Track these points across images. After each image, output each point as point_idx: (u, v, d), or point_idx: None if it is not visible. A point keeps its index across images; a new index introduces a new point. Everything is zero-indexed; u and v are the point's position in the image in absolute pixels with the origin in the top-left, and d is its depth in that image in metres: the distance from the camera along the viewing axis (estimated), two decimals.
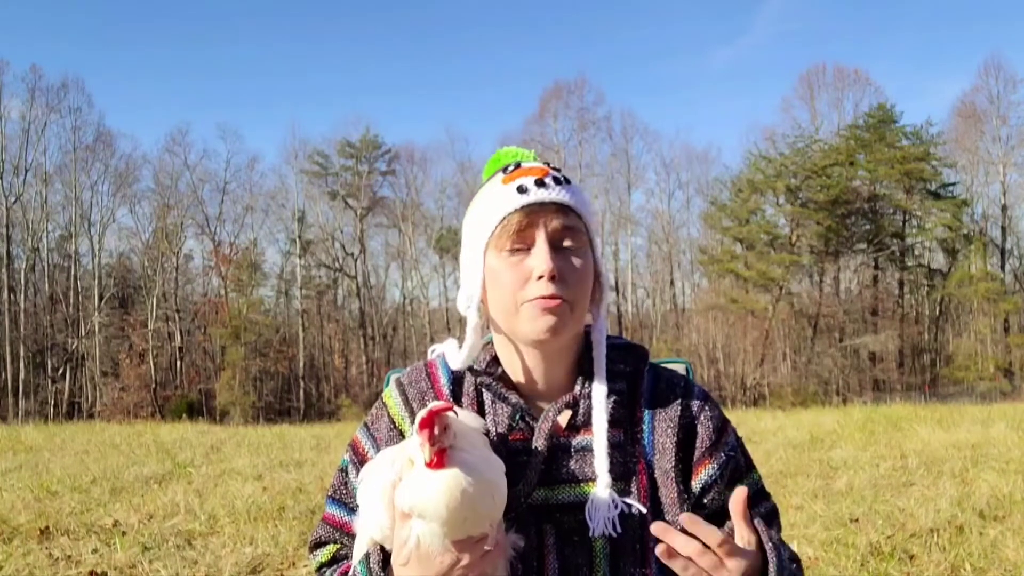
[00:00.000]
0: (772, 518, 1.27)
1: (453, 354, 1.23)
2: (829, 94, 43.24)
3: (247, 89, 67.22)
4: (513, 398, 1.21)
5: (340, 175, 45.26)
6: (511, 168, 1.20)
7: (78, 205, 41.19)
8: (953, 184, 40.89)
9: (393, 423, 1.26)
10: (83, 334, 39.35)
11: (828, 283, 41.72)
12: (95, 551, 4.57)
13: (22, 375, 37.64)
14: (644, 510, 1.15)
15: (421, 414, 1.00)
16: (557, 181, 1.17)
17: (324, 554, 1.30)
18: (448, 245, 43.82)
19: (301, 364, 42.45)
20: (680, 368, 1.65)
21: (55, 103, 40.05)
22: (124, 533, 4.99)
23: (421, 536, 1.04)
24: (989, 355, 38.83)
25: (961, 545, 4.31)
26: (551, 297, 1.13)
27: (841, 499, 5.68)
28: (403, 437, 1.23)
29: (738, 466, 1.24)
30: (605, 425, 1.17)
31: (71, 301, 40.13)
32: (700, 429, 1.22)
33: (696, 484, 1.20)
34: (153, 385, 38.84)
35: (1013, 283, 41.58)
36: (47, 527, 5.11)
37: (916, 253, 43.03)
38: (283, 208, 45.15)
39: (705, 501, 1.20)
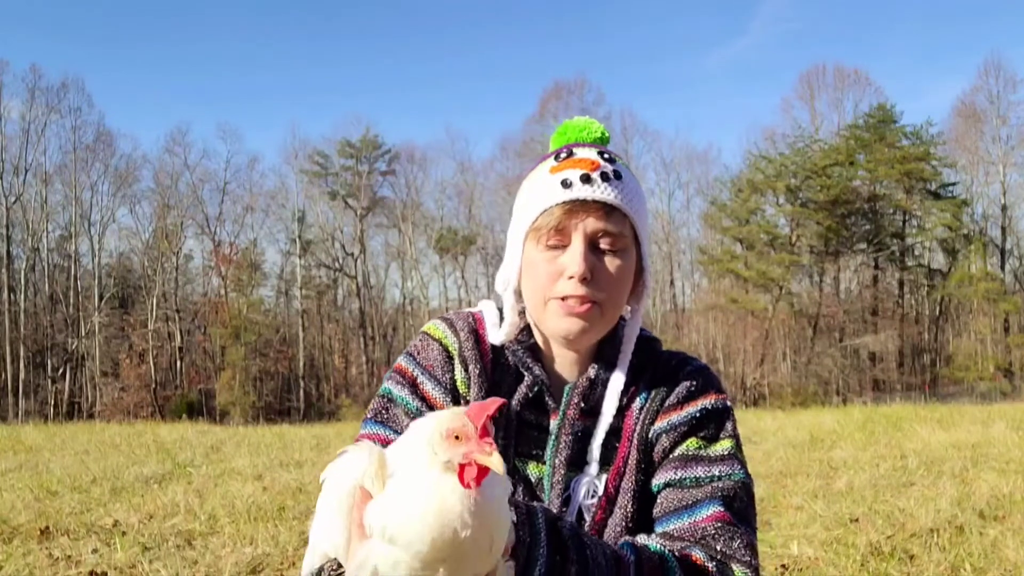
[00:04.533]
0: (717, 479, 1.17)
1: (493, 327, 1.25)
2: (829, 94, 43.31)
3: (247, 89, 67.31)
4: (536, 369, 1.22)
5: (340, 175, 45.29)
6: (563, 155, 1.19)
7: (78, 205, 41.25)
8: (953, 184, 40.92)
9: (446, 349, 1.24)
10: (83, 334, 39.33)
11: (828, 283, 41.72)
12: (95, 551, 4.56)
13: (22, 375, 37.62)
14: (602, 492, 1.19)
15: (461, 417, 0.83)
16: (605, 177, 1.15)
17: None
18: (448, 245, 43.81)
19: (301, 364, 42.44)
20: None
21: (55, 103, 40.16)
22: (124, 533, 4.99)
23: (380, 566, 0.83)
24: (989, 355, 38.82)
25: (961, 545, 4.31)
26: (581, 299, 1.13)
27: (841, 499, 5.67)
28: (453, 362, 1.23)
29: (698, 427, 1.21)
30: (608, 424, 1.20)
31: (71, 301, 40.11)
32: (673, 394, 1.24)
33: (650, 436, 1.22)
34: (153, 385, 38.82)
35: (1013, 283, 41.57)
36: (47, 527, 5.10)
37: (916, 253, 43.03)
38: (283, 208, 45.24)
39: (653, 454, 1.22)
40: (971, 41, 63.80)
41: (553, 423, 1.21)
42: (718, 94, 70.81)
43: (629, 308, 1.25)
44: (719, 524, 1.13)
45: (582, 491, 1.18)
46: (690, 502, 1.16)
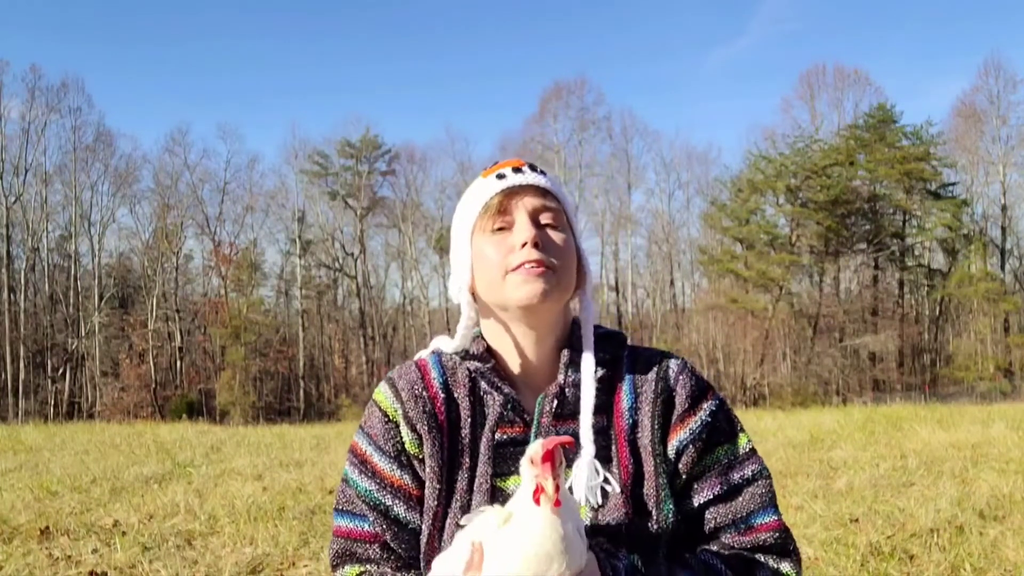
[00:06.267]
0: (753, 481, 1.25)
1: (446, 341, 1.29)
2: (829, 94, 43.31)
3: (247, 89, 67.33)
4: (505, 388, 1.23)
5: (340, 175, 45.28)
6: (489, 167, 1.28)
7: (78, 205, 41.26)
8: (953, 184, 40.91)
9: (386, 415, 1.25)
10: (83, 334, 39.34)
11: (828, 283, 41.72)
12: (95, 551, 4.57)
13: (22, 375, 37.63)
14: (619, 490, 1.19)
15: (538, 445, 0.98)
16: (533, 169, 1.25)
17: (350, 572, 1.26)
18: (448, 245, 43.63)
19: (301, 364, 42.45)
20: None
21: (55, 103, 40.17)
22: (124, 533, 4.99)
23: None
24: (989, 355, 38.83)
25: (961, 545, 4.31)
26: (537, 263, 1.18)
27: (841, 499, 5.68)
28: (397, 428, 1.24)
29: (717, 430, 1.25)
30: (591, 406, 1.20)
31: (71, 301, 40.12)
32: (676, 397, 1.25)
33: (670, 449, 1.23)
34: (153, 385, 38.83)
35: (1013, 283, 41.58)
36: (47, 527, 5.11)
37: (916, 253, 43.02)
38: (283, 208, 45.25)
39: (680, 466, 1.23)
40: (971, 41, 63.83)
41: (531, 434, 1.22)
42: (718, 94, 70.95)
43: (577, 297, 1.28)
44: (776, 533, 1.24)
45: (585, 472, 1.17)
46: (744, 514, 1.23)
